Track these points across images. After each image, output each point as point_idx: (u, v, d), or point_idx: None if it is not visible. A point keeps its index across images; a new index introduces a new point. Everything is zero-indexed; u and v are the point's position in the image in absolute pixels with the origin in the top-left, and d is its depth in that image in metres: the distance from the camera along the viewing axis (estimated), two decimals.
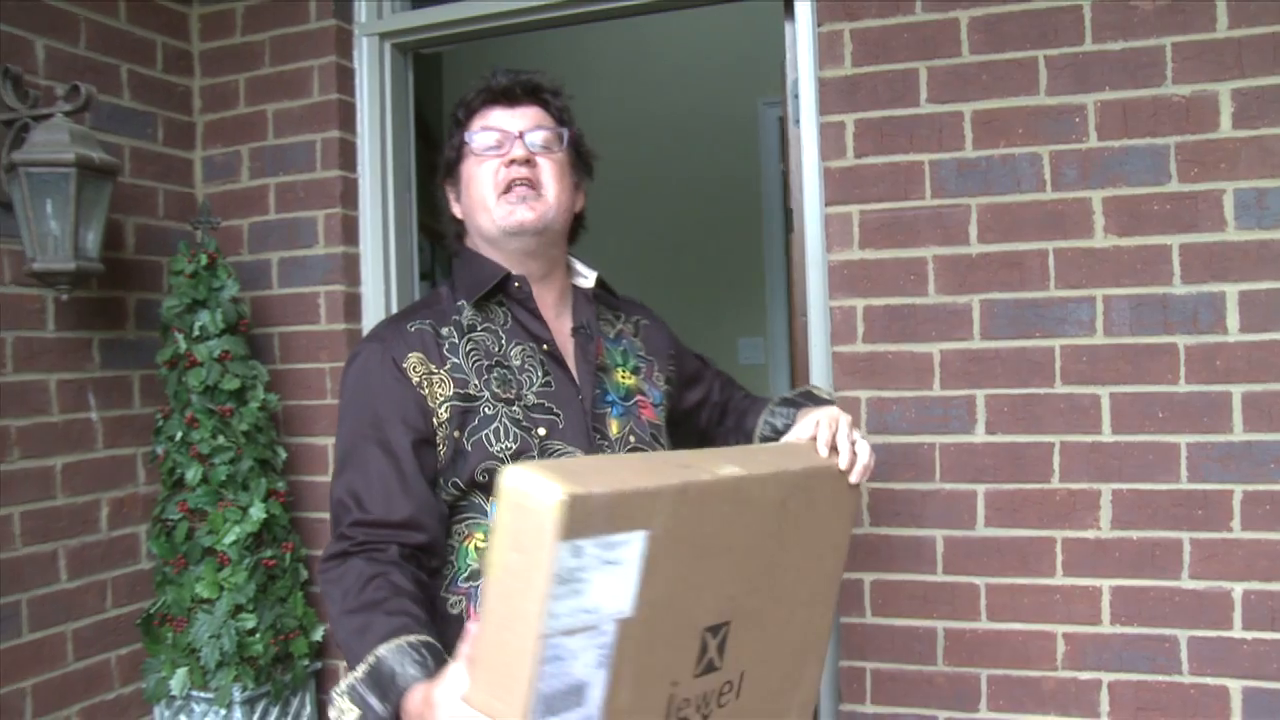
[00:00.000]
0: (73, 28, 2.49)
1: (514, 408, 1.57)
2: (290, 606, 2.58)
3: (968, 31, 2.24)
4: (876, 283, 2.31)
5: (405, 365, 1.52)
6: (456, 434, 1.52)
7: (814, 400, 1.81)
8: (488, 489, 1.52)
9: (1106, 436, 2.18)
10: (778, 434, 1.76)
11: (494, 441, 1.54)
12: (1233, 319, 2.10)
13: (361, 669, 1.29)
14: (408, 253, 2.85)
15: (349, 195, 2.72)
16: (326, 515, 2.64)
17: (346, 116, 2.72)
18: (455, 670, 1.13)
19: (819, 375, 2.42)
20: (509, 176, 1.60)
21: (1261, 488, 2.09)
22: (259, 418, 2.57)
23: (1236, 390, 2.11)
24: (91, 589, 2.51)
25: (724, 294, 4.99)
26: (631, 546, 1.06)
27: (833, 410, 1.58)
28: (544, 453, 1.58)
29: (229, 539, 2.46)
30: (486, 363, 1.58)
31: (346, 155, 2.72)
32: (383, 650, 1.29)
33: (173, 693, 2.48)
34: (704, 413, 1.90)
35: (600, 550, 1.03)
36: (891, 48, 2.29)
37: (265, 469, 2.58)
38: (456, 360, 1.56)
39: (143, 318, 2.64)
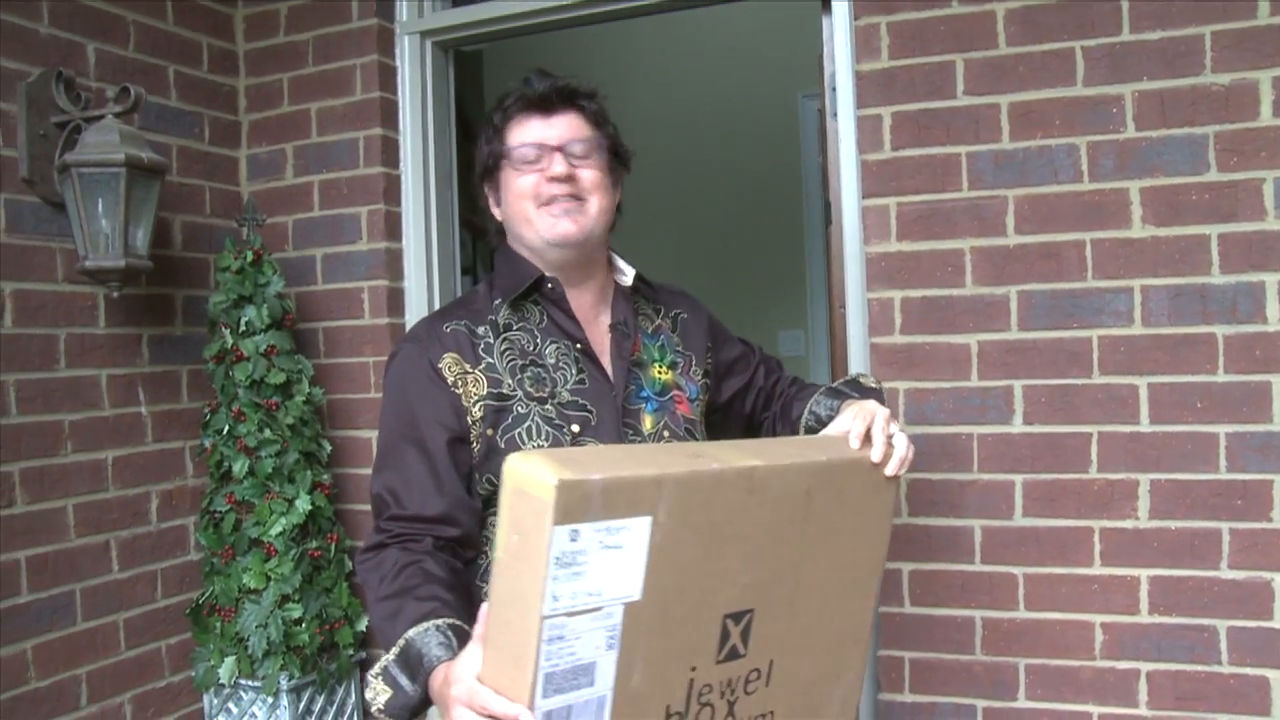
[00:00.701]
0: (122, 30, 2.55)
1: (547, 406, 1.60)
2: (335, 597, 2.63)
3: (1004, 23, 2.24)
4: (914, 274, 2.32)
5: (440, 366, 1.58)
6: (490, 432, 1.57)
7: (860, 390, 1.82)
8: None
9: (1145, 427, 2.18)
10: (821, 423, 1.77)
11: (527, 439, 1.57)
12: (1272, 308, 2.10)
13: (393, 651, 1.36)
14: (449, 248, 2.89)
15: (392, 191, 2.77)
16: (369, 507, 2.74)
17: (389, 114, 2.76)
18: (471, 649, 1.18)
19: (857, 366, 2.44)
20: (551, 192, 1.62)
21: None
22: (304, 411, 2.62)
23: (1276, 380, 2.10)
24: (142, 579, 2.57)
25: (765, 286, 5.00)
26: (634, 531, 1.10)
27: (870, 404, 1.59)
28: (556, 446, 1.61)
29: (275, 530, 2.52)
30: (521, 362, 1.61)
31: (389, 152, 2.76)
32: (412, 633, 1.35)
33: (221, 681, 2.53)
34: (748, 399, 1.92)
35: (600, 534, 1.07)
36: (928, 40, 2.29)
37: (310, 461, 2.63)
38: (491, 360, 1.60)
39: (190, 314, 2.70)
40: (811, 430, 1.80)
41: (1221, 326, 2.13)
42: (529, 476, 1.06)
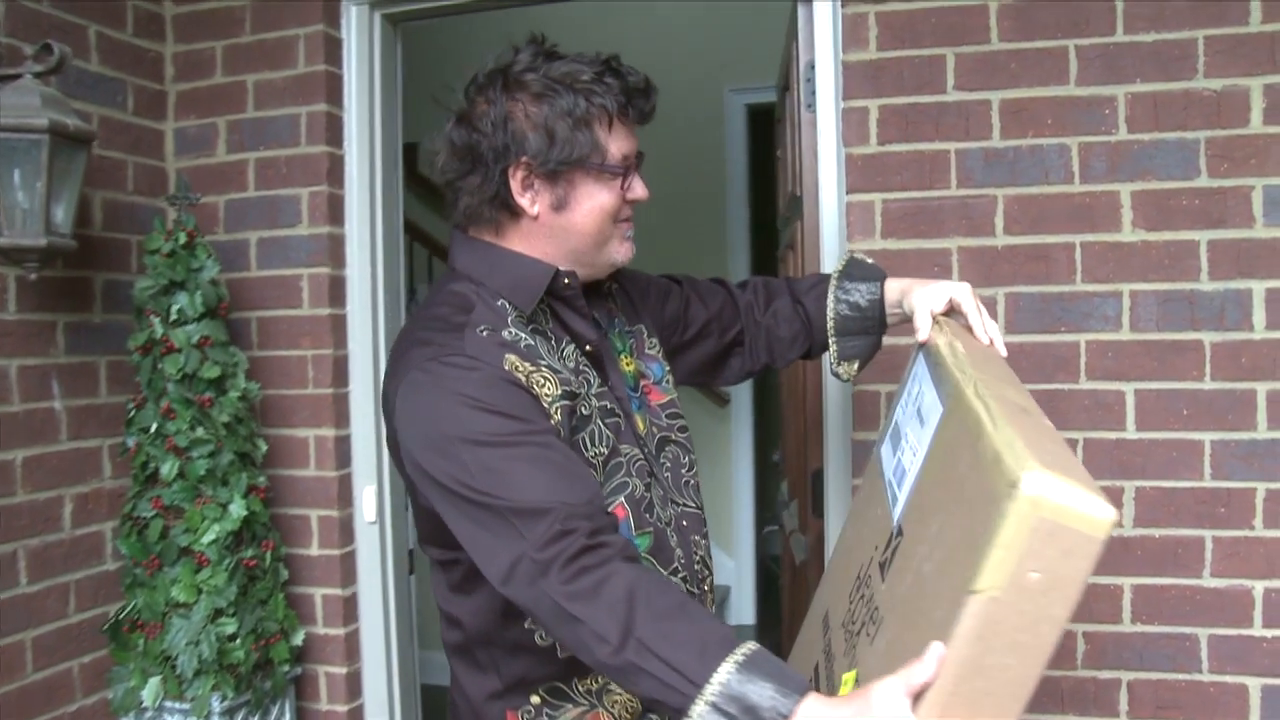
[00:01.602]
0: None
1: (599, 408, 1.47)
2: (271, 609, 2.43)
3: (997, 18, 2.19)
4: (899, 273, 2.18)
5: (507, 369, 1.37)
6: (568, 436, 1.41)
7: (869, 268, 1.76)
8: None
9: (1130, 433, 2.16)
10: (860, 311, 1.72)
11: (589, 446, 1.43)
12: (1259, 316, 2.09)
13: (713, 691, 1.14)
14: (395, 234, 2.71)
15: (335, 172, 2.57)
16: (308, 511, 2.57)
17: (334, 89, 2.57)
18: (887, 693, 1.06)
19: None
20: (627, 213, 1.50)
21: None
22: (239, 408, 2.41)
23: (1261, 388, 2.10)
24: (53, 592, 2.32)
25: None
26: None
27: (964, 287, 1.57)
28: (613, 457, 1.48)
29: (208, 538, 2.31)
30: (561, 364, 1.47)
31: (333, 130, 2.57)
32: (731, 667, 1.15)
33: (144, 704, 2.32)
34: (699, 336, 1.80)
35: None
36: (918, 32, 2.23)
37: (245, 463, 2.42)
38: (545, 360, 1.42)
39: (111, 300, 2.46)
40: (848, 318, 1.72)
41: (1209, 333, 2.12)
42: (1071, 507, 0.92)
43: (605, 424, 1.48)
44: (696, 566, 1.58)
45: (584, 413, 1.44)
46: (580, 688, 1.48)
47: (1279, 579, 2.09)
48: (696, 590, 1.56)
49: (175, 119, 2.64)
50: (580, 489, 1.32)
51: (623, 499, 1.46)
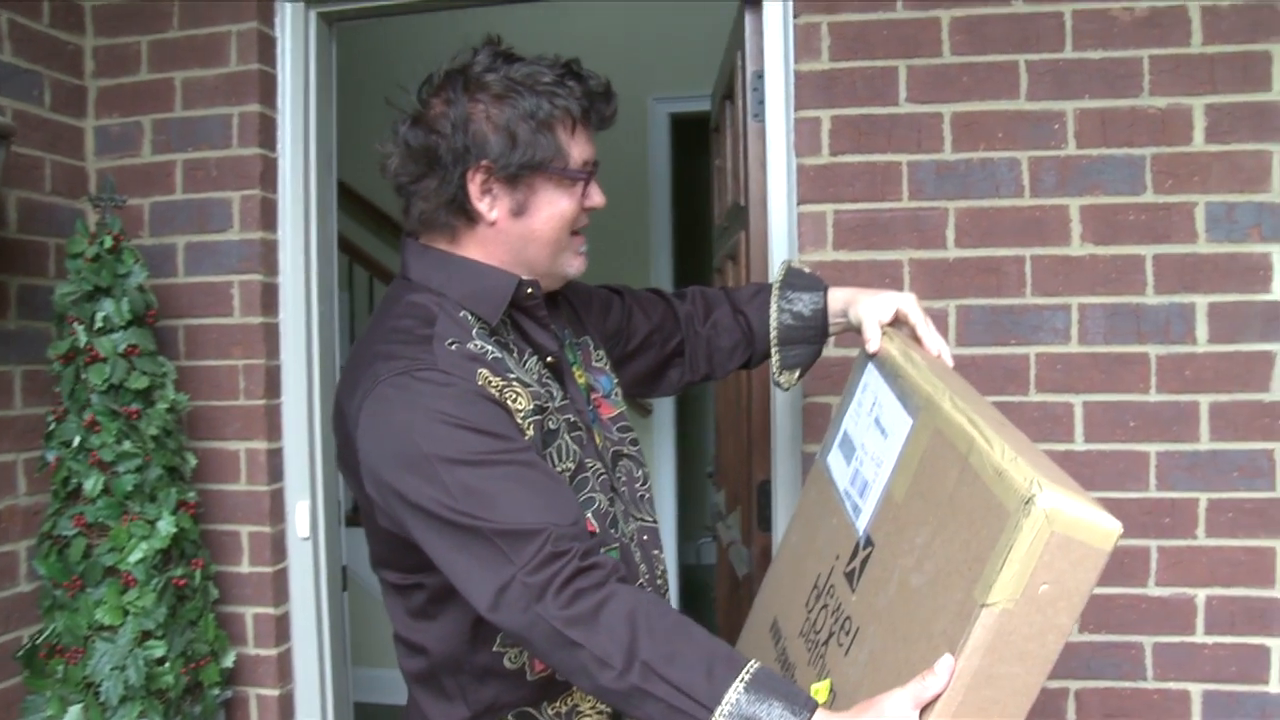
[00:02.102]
0: None
1: (563, 421, 1.43)
2: (201, 630, 2.31)
3: (949, 32, 2.20)
4: (851, 285, 2.22)
5: (480, 383, 1.32)
6: (539, 450, 1.36)
7: (809, 277, 1.76)
8: None
9: (1079, 445, 2.18)
10: (803, 320, 1.72)
11: (558, 461, 1.39)
12: (1201, 330, 2.14)
13: (725, 713, 1.14)
14: (329, 241, 2.61)
15: (268, 176, 2.47)
16: (239, 528, 2.46)
17: (267, 89, 2.46)
18: (897, 705, 1.08)
19: None
20: (583, 222, 1.47)
21: (1225, 495, 2.14)
22: (168, 420, 2.29)
23: (1204, 400, 2.14)
24: None
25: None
26: None
27: (910, 298, 1.57)
28: (579, 471, 1.44)
29: (135, 557, 2.18)
30: (527, 376, 1.42)
31: (266, 132, 2.46)
32: (740, 688, 1.16)
33: None
34: (640, 349, 1.78)
35: None
36: (871, 44, 2.23)
37: (174, 477, 2.30)
38: (514, 374, 1.38)
39: (26, 305, 2.32)
40: (791, 328, 1.72)
41: (1154, 346, 2.15)
42: (1082, 521, 0.96)
43: (571, 437, 1.44)
44: (659, 581, 1.56)
45: (551, 426, 1.40)
46: (550, 711, 1.45)
47: (1220, 587, 2.14)
48: None
49: (96, 116, 2.50)
50: (566, 509, 1.29)
51: (590, 514, 1.43)
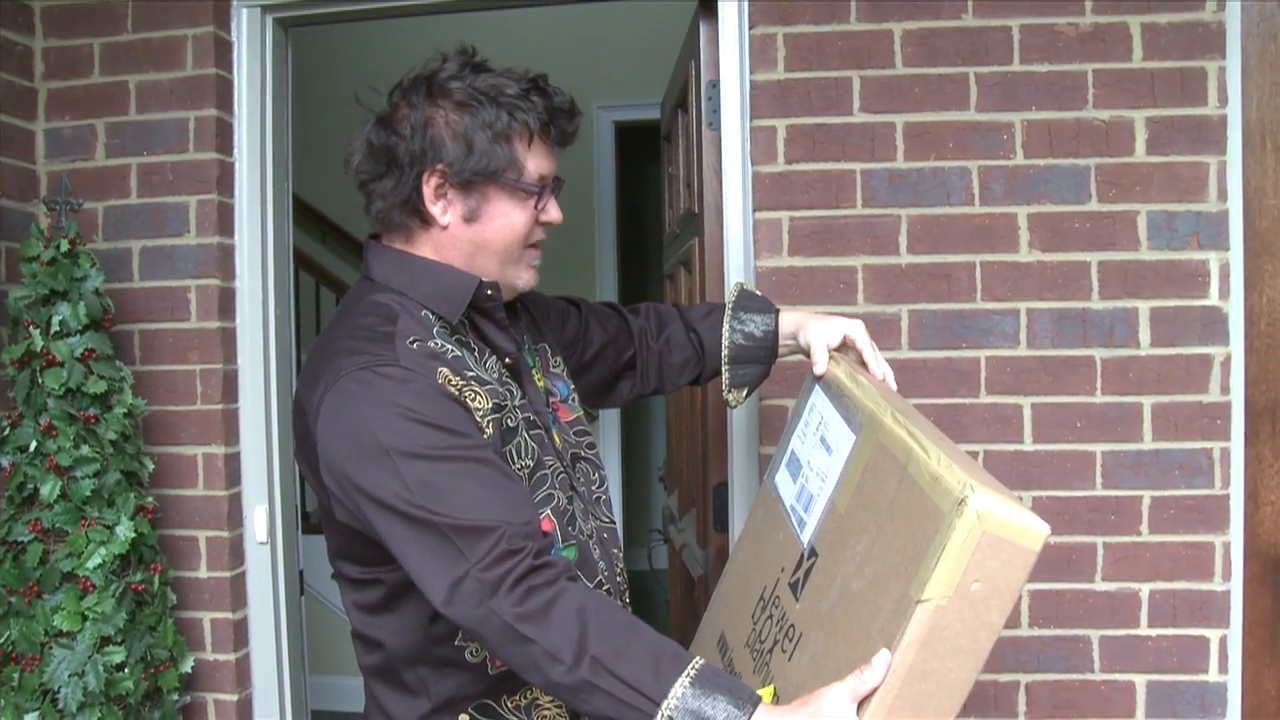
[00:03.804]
0: None
1: (522, 420, 1.46)
2: (160, 635, 2.30)
3: (901, 43, 2.26)
4: (805, 290, 2.29)
5: (440, 381, 1.35)
6: (498, 448, 1.39)
7: (760, 300, 1.82)
8: None
9: (1028, 445, 2.25)
10: (755, 341, 1.77)
11: (516, 459, 1.42)
12: (1144, 334, 2.22)
13: (671, 706, 1.19)
14: (285, 246, 2.61)
15: (225, 180, 2.45)
16: (196, 533, 2.46)
17: (224, 93, 2.45)
18: (835, 699, 1.12)
19: None
20: (538, 236, 1.50)
21: (1167, 493, 2.22)
22: (125, 425, 2.28)
23: (1146, 401, 2.22)
24: None
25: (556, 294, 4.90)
26: None
27: (858, 324, 1.64)
28: (538, 469, 1.47)
29: (93, 562, 2.17)
30: (487, 375, 1.45)
31: (223, 136, 2.45)
32: (685, 683, 1.20)
33: None
34: (594, 359, 1.83)
35: None
36: (825, 54, 2.28)
37: (132, 482, 2.29)
38: (473, 372, 1.41)
39: None
40: (742, 348, 1.78)
41: (1100, 350, 2.23)
42: (1012, 522, 1.00)
43: (530, 436, 1.47)
44: (618, 579, 1.60)
45: (510, 424, 1.43)
46: (509, 704, 1.48)
47: (1162, 580, 2.22)
48: (621, 603, 1.58)
49: (47, 119, 2.47)
50: (520, 508, 1.33)
51: (549, 511, 1.46)
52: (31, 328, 2.19)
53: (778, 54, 2.29)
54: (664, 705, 1.18)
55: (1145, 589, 2.23)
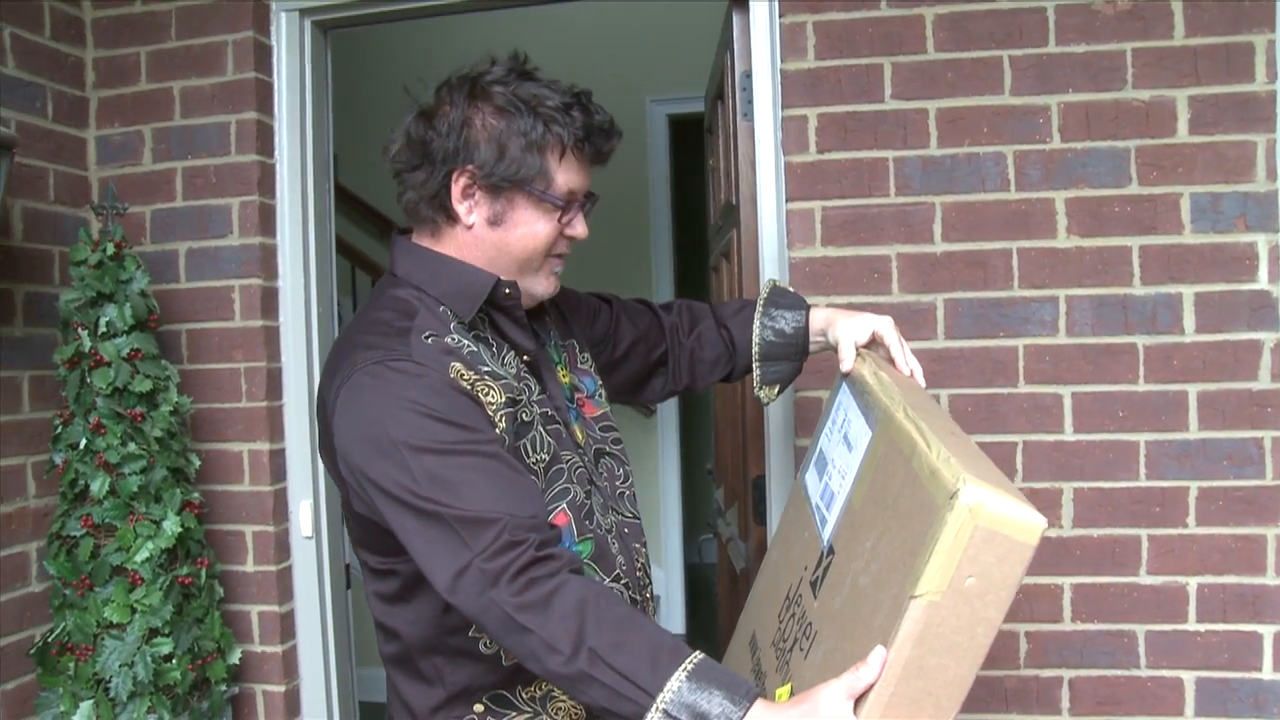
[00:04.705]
0: None
1: (540, 415, 1.46)
2: (207, 628, 2.36)
3: (933, 28, 2.22)
4: (839, 280, 2.27)
5: (453, 375, 1.36)
6: (513, 443, 1.40)
7: (793, 296, 1.81)
8: None
9: (1068, 435, 2.20)
10: (785, 337, 1.76)
11: (531, 452, 1.43)
12: (1189, 319, 2.15)
13: (667, 699, 1.19)
14: (327, 245, 2.66)
15: (266, 182, 2.51)
16: (243, 527, 2.51)
17: (264, 97, 2.51)
18: (832, 696, 1.11)
19: None
20: (562, 249, 1.51)
21: (1215, 484, 2.15)
22: (171, 423, 2.34)
23: (1192, 389, 2.16)
24: None
25: (610, 288, 4.90)
26: None
27: (886, 320, 1.61)
28: (554, 463, 1.48)
29: (141, 556, 2.23)
30: (503, 370, 1.46)
31: (264, 139, 2.51)
32: (682, 676, 1.20)
33: None
34: (625, 355, 1.83)
35: None
36: (855, 42, 2.25)
37: (178, 478, 2.35)
38: (488, 367, 1.42)
39: (33, 312, 2.37)
40: (773, 344, 1.77)
41: (1142, 337, 2.17)
42: (1006, 516, 0.99)
43: (546, 430, 1.48)
44: (638, 574, 1.60)
45: (525, 419, 1.44)
46: (524, 695, 1.49)
47: (1210, 574, 2.16)
48: (639, 597, 1.58)
49: (98, 126, 2.56)
50: (527, 502, 1.34)
51: (565, 505, 1.47)
52: (80, 329, 2.27)
53: (808, 42, 2.27)
54: (659, 698, 1.18)
55: (1193, 583, 2.16)
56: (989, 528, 1.02)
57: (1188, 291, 2.15)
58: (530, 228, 1.46)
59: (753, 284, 2.42)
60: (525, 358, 1.52)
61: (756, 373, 1.80)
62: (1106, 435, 2.18)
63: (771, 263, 2.35)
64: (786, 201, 2.30)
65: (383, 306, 1.48)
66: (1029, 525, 1.04)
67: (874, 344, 1.64)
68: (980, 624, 1.06)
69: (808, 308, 1.79)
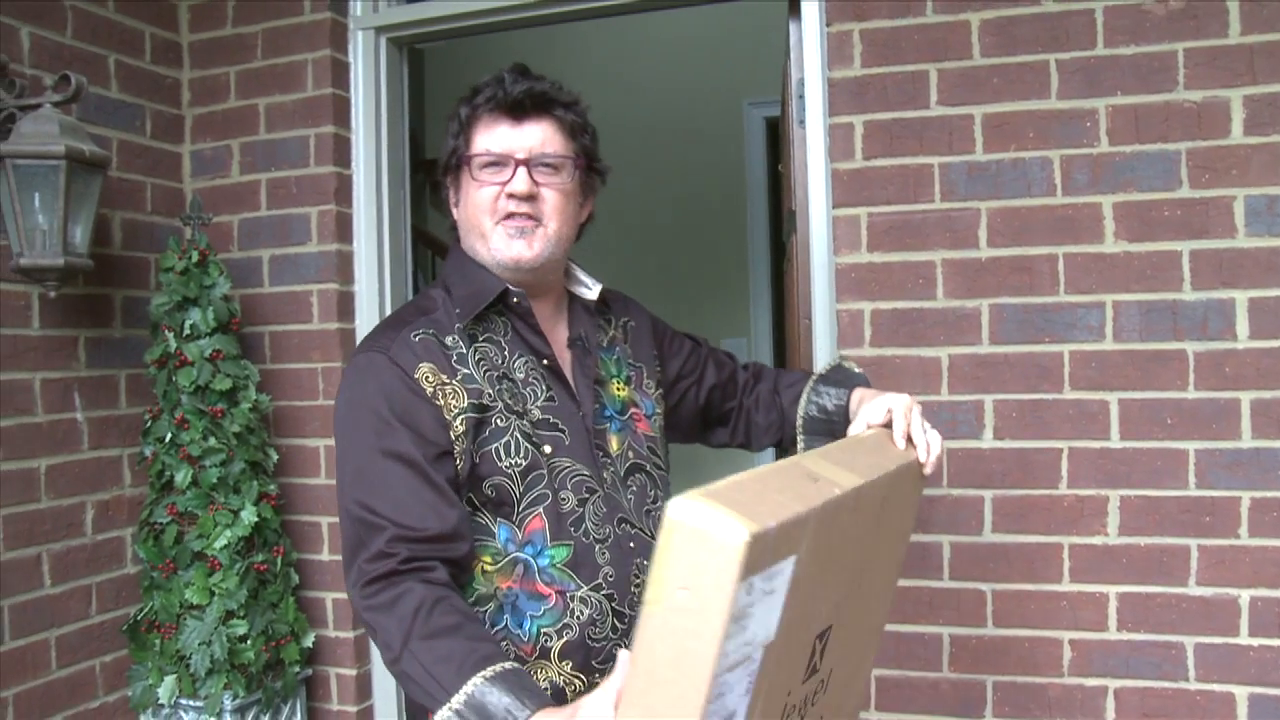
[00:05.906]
0: (59, 15, 2.42)
1: (524, 421, 1.51)
2: (282, 612, 2.52)
3: (979, 34, 2.22)
4: (884, 286, 2.29)
5: (416, 376, 1.46)
6: (472, 447, 1.47)
7: (849, 375, 1.80)
8: (495, 507, 1.48)
9: (1115, 443, 2.17)
10: (827, 414, 1.76)
11: (503, 456, 1.49)
12: (1242, 326, 2.10)
13: (459, 700, 1.26)
14: (401, 251, 2.80)
15: (343, 192, 2.67)
16: (319, 518, 2.66)
17: (341, 111, 2.66)
18: (596, 707, 1.13)
19: None
20: (508, 208, 1.52)
21: (1269, 494, 2.09)
22: (250, 419, 2.51)
23: (1245, 397, 2.11)
24: (76, 594, 2.44)
25: (708, 294, 4.96)
26: (784, 574, 1.06)
27: (903, 399, 1.56)
28: (551, 471, 1.53)
29: (219, 543, 2.40)
30: (495, 374, 1.52)
31: (341, 151, 2.66)
32: (479, 681, 1.26)
33: (160, 701, 2.41)
34: (701, 395, 1.86)
35: (764, 583, 1.03)
36: (901, 49, 2.26)
37: (256, 471, 2.52)
38: (467, 370, 1.50)
39: (130, 315, 2.58)
40: (816, 420, 1.78)
41: (1192, 343, 2.13)
42: (707, 527, 0.99)
43: (533, 435, 1.52)
44: (632, 589, 1.58)
45: (499, 424, 1.49)
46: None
47: (1265, 587, 2.10)
48: (630, 611, 1.57)
49: (192, 142, 2.75)
50: (426, 517, 1.41)
51: (541, 510, 1.51)
52: (168, 331, 2.45)
53: (854, 50, 2.30)
54: (454, 698, 1.26)
55: (1245, 595, 2.11)
56: (687, 540, 1.00)
57: (1241, 297, 2.10)
58: (468, 195, 1.56)
59: (804, 289, 2.45)
60: (545, 361, 1.59)
61: (800, 445, 1.82)
62: (1154, 443, 2.15)
63: (820, 269, 2.38)
64: (833, 208, 2.32)
65: (413, 301, 1.63)
66: (725, 538, 0.99)
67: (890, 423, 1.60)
68: (694, 638, 1.02)
69: (854, 387, 1.77)
